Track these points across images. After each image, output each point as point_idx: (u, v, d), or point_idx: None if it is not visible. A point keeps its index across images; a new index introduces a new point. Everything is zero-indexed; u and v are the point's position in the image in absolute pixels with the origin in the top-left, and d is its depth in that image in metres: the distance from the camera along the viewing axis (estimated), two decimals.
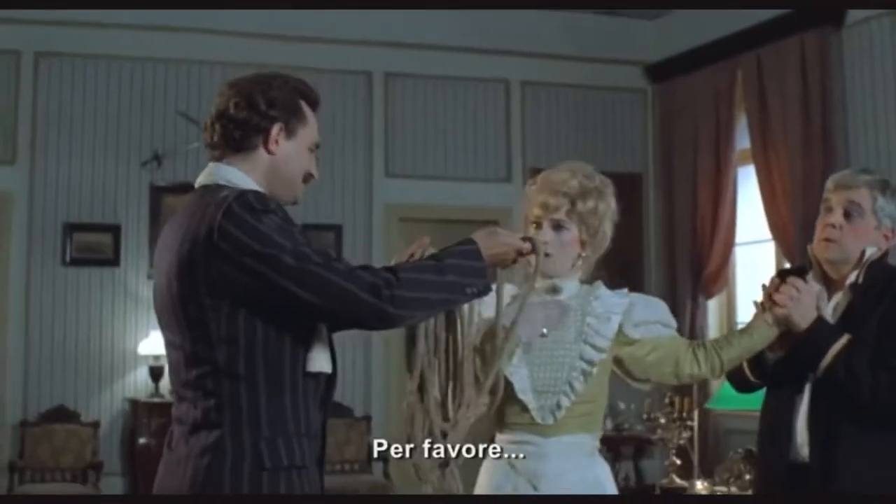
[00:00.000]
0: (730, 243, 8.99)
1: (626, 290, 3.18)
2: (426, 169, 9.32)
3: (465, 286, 2.52)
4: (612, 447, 8.29)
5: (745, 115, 8.68)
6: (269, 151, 2.57)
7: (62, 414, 8.28)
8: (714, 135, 8.99)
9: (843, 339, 3.09)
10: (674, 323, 3.19)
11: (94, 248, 8.60)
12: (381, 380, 8.95)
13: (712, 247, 8.99)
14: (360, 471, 8.61)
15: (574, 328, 3.08)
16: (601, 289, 3.16)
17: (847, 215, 3.22)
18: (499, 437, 3.12)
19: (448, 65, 9.34)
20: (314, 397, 2.53)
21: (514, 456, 3.05)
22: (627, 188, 9.83)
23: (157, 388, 8.19)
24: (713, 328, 9.17)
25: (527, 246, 2.70)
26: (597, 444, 3.16)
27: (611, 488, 3.12)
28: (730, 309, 9.32)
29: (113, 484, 8.31)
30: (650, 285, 9.84)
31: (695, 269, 9.15)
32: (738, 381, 3.45)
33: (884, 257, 3.26)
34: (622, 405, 8.08)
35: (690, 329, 9.05)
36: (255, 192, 2.46)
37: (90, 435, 8.25)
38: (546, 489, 3.00)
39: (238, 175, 2.54)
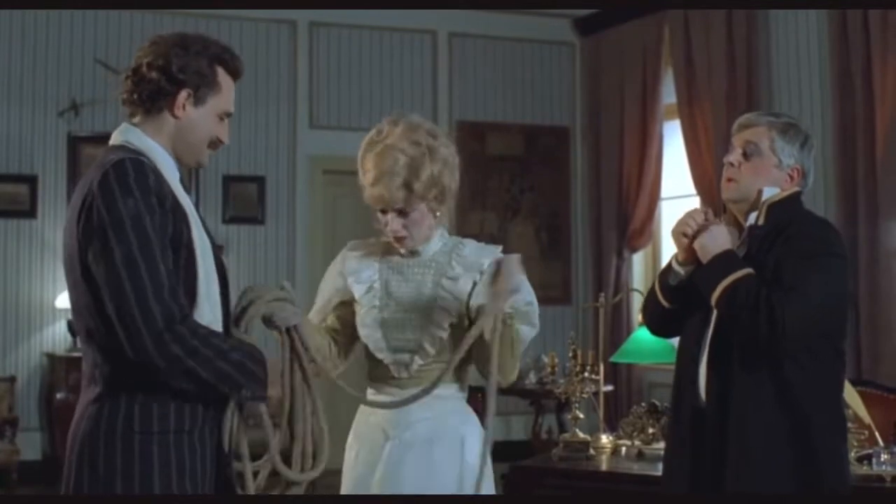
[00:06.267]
0: (655, 198, 9.05)
1: (498, 249, 3.15)
2: (351, 120, 9.20)
3: (241, 385, 2.49)
4: (535, 401, 8.33)
5: (671, 70, 8.70)
6: (174, 116, 2.58)
7: None
8: (641, 89, 9.02)
9: (743, 271, 3.07)
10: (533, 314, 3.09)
11: (10, 199, 8.41)
12: None
13: (638, 201, 9.04)
14: None
15: (429, 290, 3.08)
16: (467, 247, 3.15)
17: (745, 154, 3.24)
18: (368, 389, 3.17)
19: (374, 14, 9.21)
20: None
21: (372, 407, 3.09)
22: (555, 142, 9.88)
23: (75, 342, 8.04)
24: (638, 282, 9.24)
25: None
26: (456, 393, 3.12)
27: (471, 440, 3.08)
28: (655, 263, 9.39)
29: (31, 439, 8.19)
30: (576, 239, 9.88)
31: (620, 224, 9.20)
32: (653, 313, 3.41)
33: (790, 199, 3.24)
34: (545, 359, 8.09)
35: (616, 283, 9.11)
36: (136, 162, 2.46)
37: (6, 390, 8.11)
38: (396, 437, 3.04)
39: (141, 137, 2.56)
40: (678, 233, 3.25)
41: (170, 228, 2.44)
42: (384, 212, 3.06)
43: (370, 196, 3.06)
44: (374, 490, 3.03)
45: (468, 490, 2.98)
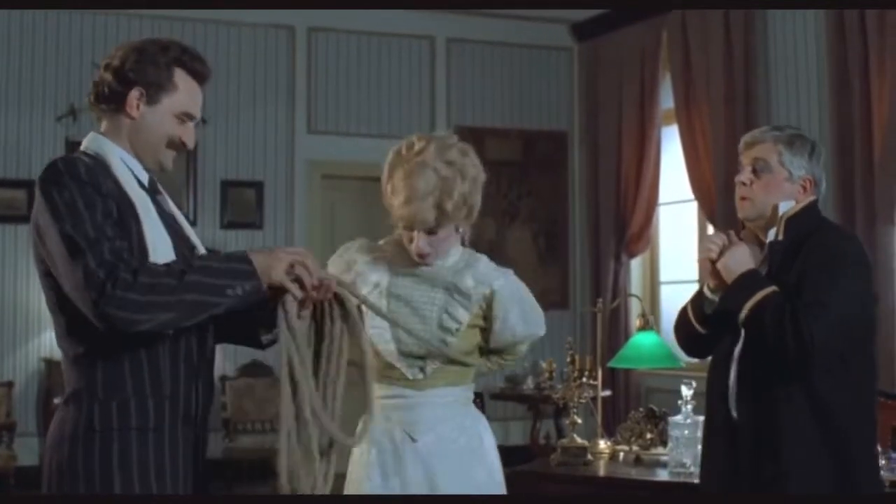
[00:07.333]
0: (653, 202, 9.04)
1: (510, 272, 3.18)
2: (349, 125, 9.22)
3: (224, 287, 2.40)
4: (533, 406, 8.32)
5: (669, 75, 8.70)
6: (129, 116, 2.59)
7: None
8: (639, 94, 9.02)
9: (767, 290, 3.08)
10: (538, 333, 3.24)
11: (7, 204, 8.42)
12: None
13: (636, 206, 9.03)
14: None
15: (441, 296, 3.10)
16: (481, 262, 3.16)
17: (755, 172, 3.26)
18: (378, 386, 3.14)
19: (372, 20, 9.22)
20: (169, 355, 2.51)
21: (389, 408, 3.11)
22: (553, 147, 9.89)
23: None
24: (636, 287, 9.23)
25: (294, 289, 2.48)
26: (470, 395, 3.21)
27: (488, 438, 3.19)
28: (653, 268, 9.39)
29: (28, 444, 8.16)
30: (574, 244, 9.88)
31: (618, 229, 9.20)
32: (689, 336, 3.42)
33: (806, 210, 3.27)
34: (543, 364, 8.07)
35: (613, 288, 9.11)
36: (67, 160, 2.48)
37: (4, 395, 8.10)
38: (422, 437, 3.07)
39: (100, 142, 2.59)
40: (703, 259, 3.26)
41: (114, 214, 2.43)
42: (410, 229, 3.04)
43: (401, 216, 3.02)
44: (397, 491, 3.05)
45: (496, 486, 3.14)
